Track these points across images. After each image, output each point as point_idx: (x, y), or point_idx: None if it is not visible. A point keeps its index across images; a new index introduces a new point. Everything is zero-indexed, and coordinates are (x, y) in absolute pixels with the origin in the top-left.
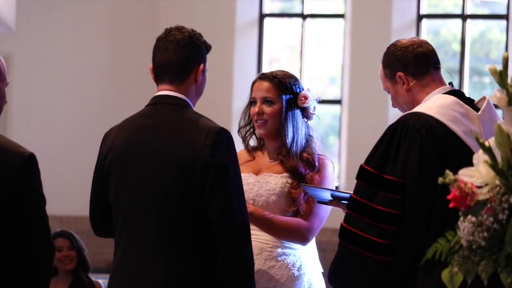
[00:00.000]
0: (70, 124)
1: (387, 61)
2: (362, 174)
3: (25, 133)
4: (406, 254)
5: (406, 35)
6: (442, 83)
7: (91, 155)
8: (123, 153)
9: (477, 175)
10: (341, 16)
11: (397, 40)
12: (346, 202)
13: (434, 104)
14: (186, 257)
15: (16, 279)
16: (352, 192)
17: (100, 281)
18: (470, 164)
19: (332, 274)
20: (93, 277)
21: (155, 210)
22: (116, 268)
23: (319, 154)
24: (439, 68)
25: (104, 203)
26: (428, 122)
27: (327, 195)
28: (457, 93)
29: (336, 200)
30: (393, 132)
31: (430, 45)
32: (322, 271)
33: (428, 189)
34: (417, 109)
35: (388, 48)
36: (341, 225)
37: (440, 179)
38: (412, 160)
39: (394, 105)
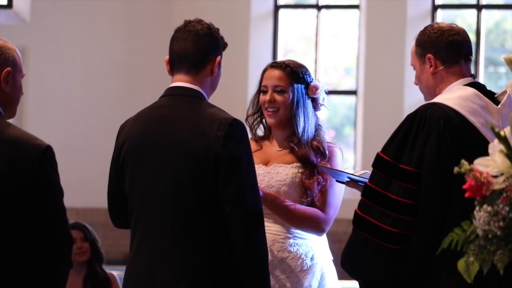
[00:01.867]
0: (86, 117)
1: (421, 40)
2: (378, 162)
3: (40, 125)
4: (418, 245)
5: (421, 25)
6: (468, 75)
7: (107, 147)
8: (138, 145)
9: (492, 164)
10: (356, 7)
11: (436, 22)
12: (361, 179)
13: (454, 95)
14: (200, 249)
15: (35, 271)
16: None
17: (115, 273)
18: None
19: (345, 259)
20: (110, 268)
21: (169, 202)
22: (132, 260)
23: (328, 142)
24: (470, 60)
25: (121, 195)
26: (447, 113)
27: (343, 178)
28: (478, 86)
29: (353, 182)
30: (411, 122)
31: (467, 36)
32: (332, 258)
33: (443, 180)
34: (436, 99)
35: (426, 28)
36: (355, 211)
37: (456, 169)
38: (428, 151)
39: (416, 83)
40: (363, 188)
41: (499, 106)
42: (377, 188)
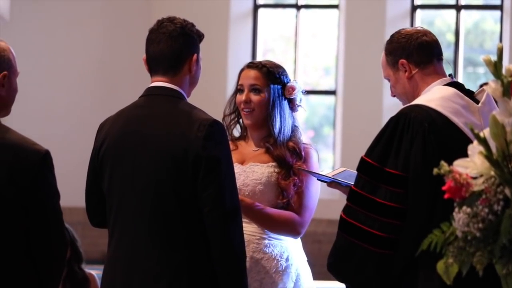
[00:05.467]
0: (65, 115)
1: (390, 48)
2: (363, 167)
3: (18, 123)
4: (407, 248)
5: (400, 25)
6: (443, 74)
7: (86, 146)
8: (117, 144)
9: (472, 166)
10: (336, 6)
11: (401, 28)
12: (343, 182)
13: (435, 96)
14: (178, 249)
15: (32, 274)
16: (346, 181)
17: (94, 272)
18: None
19: (332, 265)
20: (89, 268)
21: (148, 202)
22: (110, 259)
23: (304, 143)
24: (441, 59)
25: (99, 194)
26: (430, 115)
27: (326, 178)
28: (457, 85)
29: (335, 183)
30: (395, 125)
31: (434, 36)
32: (307, 259)
33: (430, 183)
34: (418, 101)
35: (392, 36)
36: (341, 217)
37: (435, 170)
38: (414, 153)
39: (393, 94)
40: (348, 193)
41: (479, 104)
42: (363, 192)
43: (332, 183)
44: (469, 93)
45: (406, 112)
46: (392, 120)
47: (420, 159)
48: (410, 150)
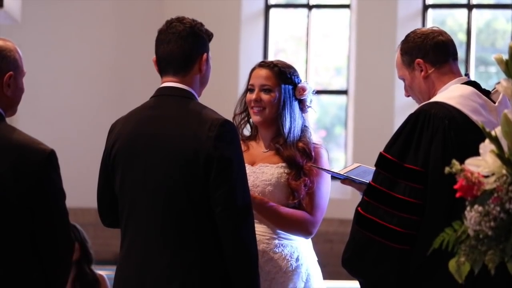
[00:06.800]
0: (76, 116)
1: (406, 48)
2: (382, 162)
3: (30, 125)
4: (425, 244)
5: (412, 25)
6: (459, 74)
7: (98, 146)
8: (128, 145)
9: (483, 164)
10: (347, 6)
11: (416, 28)
12: (356, 179)
13: (455, 94)
14: (190, 249)
15: (39, 273)
16: (358, 177)
17: (103, 273)
18: None
19: (348, 260)
20: (100, 268)
21: (160, 202)
22: (122, 260)
23: (314, 143)
24: (457, 59)
25: (111, 195)
26: (451, 112)
27: (339, 176)
28: (474, 84)
29: (348, 180)
30: (415, 121)
31: (449, 36)
32: (317, 259)
33: (450, 179)
34: (437, 98)
35: (408, 35)
36: (359, 212)
37: (447, 169)
38: (434, 150)
39: (407, 94)
40: (366, 188)
41: (496, 104)
42: (381, 188)
43: (346, 180)
44: (486, 93)
45: (426, 108)
46: (412, 116)
47: (440, 155)
48: (430, 146)
